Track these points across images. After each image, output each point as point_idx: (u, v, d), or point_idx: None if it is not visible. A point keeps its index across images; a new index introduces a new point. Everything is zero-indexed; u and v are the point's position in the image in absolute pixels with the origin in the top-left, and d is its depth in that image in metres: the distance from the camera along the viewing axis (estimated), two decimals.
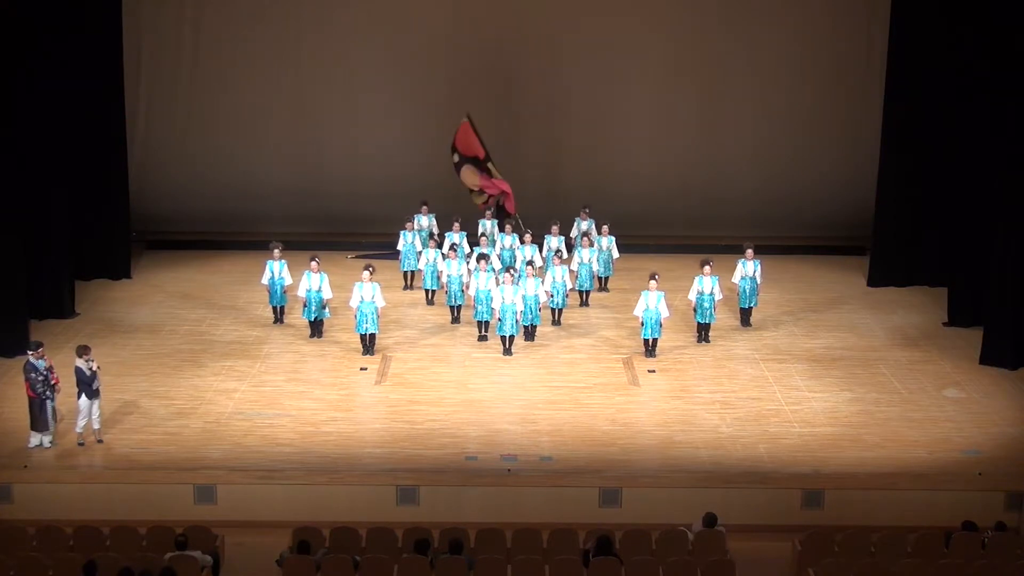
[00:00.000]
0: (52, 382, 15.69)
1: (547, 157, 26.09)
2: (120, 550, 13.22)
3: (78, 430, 15.96)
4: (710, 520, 13.76)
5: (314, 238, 24.58)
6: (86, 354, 15.87)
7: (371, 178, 26.05)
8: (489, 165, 23.33)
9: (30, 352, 15.86)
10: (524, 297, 19.38)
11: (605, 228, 22.36)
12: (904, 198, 22.84)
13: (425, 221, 23.12)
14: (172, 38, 25.49)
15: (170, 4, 25.37)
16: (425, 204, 23.28)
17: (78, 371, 15.83)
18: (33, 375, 15.62)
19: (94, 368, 15.84)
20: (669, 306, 19.35)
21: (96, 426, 15.99)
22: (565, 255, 21.46)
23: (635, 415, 17.31)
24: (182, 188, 25.91)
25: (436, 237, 22.54)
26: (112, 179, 22.97)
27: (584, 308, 21.63)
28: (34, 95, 19.75)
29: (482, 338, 19.98)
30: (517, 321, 19.26)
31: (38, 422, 15.74)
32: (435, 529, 13.70)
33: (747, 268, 20.57)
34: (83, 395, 15.80)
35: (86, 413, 15.87)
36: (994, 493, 15.12)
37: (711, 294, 19.63)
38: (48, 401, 15.66)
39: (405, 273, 22.55)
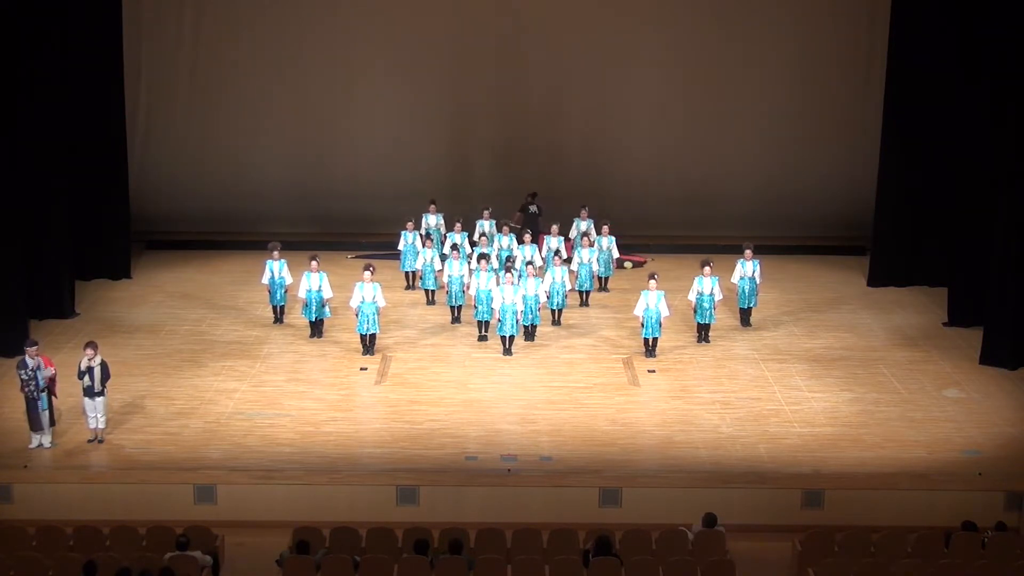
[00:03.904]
0: (41, 382, 15.58)
1: (547, 157, 26.07)
2: (120, 550, 13.22)
3: (88, 427, 16.00)
4: (710, 520, 13.76)
5: (314, 238, 24.61)
6: (88, 350, 15.85)
7: (372, 178, 26.06)
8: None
9: (27, 349, 15.84)
10: (524, 297, 19.38)
11: (605, 228, 22.36)
12: (904, 198, 22.83)
13: (433, 220, 23.15)
14: (172, 38, 25.49)
15: (170, 4, 25.38)
16: (433, 203, 23.32)
17: (78, 367, 15.85)
18: (21, 372, 15.61)
19: (91, 365, 15.76)
20: (669, 306, 19.36)
21: (97, 425, 15.94)
22: (565, 255, 21.45)
23: (635, 415, 17.30)
24: (182, 188, 25.91)
25: (435, 237, 22.49)
26: (112, 179, 22.96)
27: (584, 308, 21.63)
28: (34, 95, 19.76)
29: (482, 338, 19.97)
30: (517, 321, 19.26)
31: (31, 421, 15.73)
32: (435, 529, 13.70)
33: (746, 268, 20.56)
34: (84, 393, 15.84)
35: (89, 411, 15.86)
36: (994, 493, 15.11)
37: (711, 294, 19.62)
38: (37, 401, 15.61)
39: (407, 273, 22.54)
